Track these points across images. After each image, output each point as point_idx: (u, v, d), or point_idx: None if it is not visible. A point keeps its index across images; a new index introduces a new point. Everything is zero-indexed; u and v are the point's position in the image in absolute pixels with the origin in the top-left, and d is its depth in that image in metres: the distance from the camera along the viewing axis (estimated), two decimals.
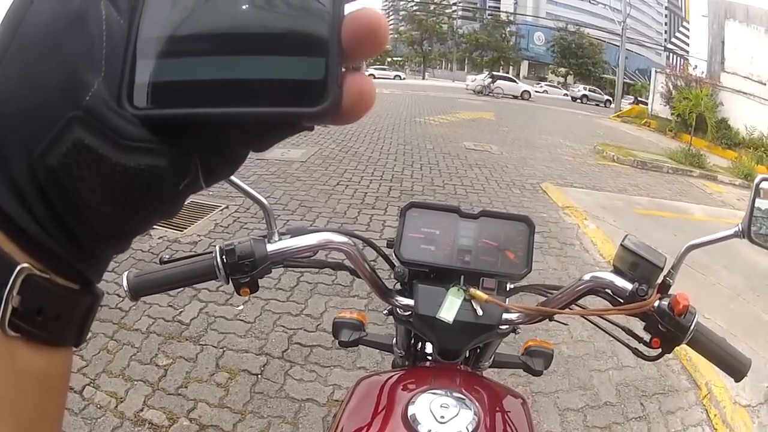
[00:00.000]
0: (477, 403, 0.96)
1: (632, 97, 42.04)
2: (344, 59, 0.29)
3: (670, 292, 1.06)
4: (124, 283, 1.07)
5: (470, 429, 0.90)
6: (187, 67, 0.29)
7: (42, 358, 0.32)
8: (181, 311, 3.65)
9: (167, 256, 1.13)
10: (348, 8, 0.29)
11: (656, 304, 1.03)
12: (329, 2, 0.29)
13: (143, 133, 0.29)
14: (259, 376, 3.07)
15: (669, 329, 1.03)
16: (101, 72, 0.28)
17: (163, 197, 0.32)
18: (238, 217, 5.52)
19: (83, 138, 0.28)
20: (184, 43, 0.29)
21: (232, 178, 1.09)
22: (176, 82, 0.29)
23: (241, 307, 3.74)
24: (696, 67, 24.34)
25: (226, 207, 5.75)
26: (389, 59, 71.40)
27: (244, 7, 0.29)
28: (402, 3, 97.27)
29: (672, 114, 20.47)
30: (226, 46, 0.29)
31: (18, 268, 0.29)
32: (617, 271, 1.08)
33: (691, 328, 1.02)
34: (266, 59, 0.29)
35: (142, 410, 2.73)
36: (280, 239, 1.09)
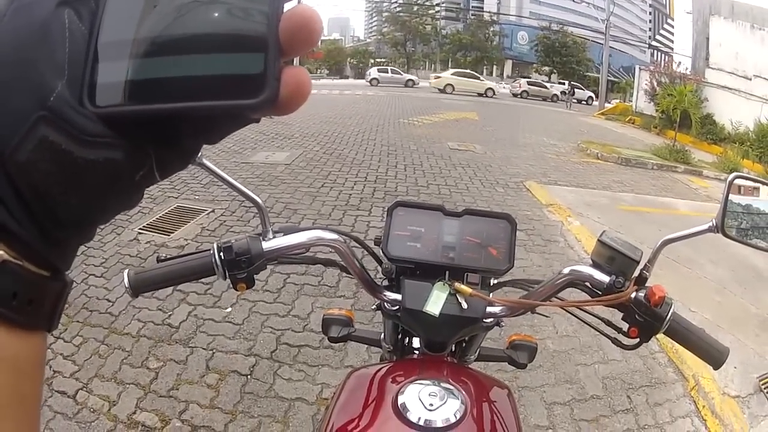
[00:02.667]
0: (464, 393, 1.00)
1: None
2: (282, 54, 0.32)
3: (647, 284, 1.10)
4: (125, 281, 1.10)
5: (458, 416, 0.94)
6: (139, 67, 0.32)
7: (17, 342, 0.34)
8: (171, 314, 3.66)
9: (164, 255, 1.17)
10: (287, 6, 0.32)
11: (633, 295, 1.07)
12: (268, 1, 0.32)
13: (101, 129, 0.32)
14: (249, 376, 3.09)
15: (646, 319, 1.07)
16: (64, 75, 0.31)
17: (121, 188, 0.35)
18: (224, 221, 5.53)
19: (48, 135, 0.31)
20: (136, 46, 0.32)
21: (228, 178, 1.14)
22: (130, 82, 0.32)
23: (230, 309, 3.76)
24: (680, 63, 24.43)
25: (212, 211, 5.77)
26: (372, 60, 71.22)
27: (189, 10, 0.32)
28: (385, 4, 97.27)
29: (656, 111, 20.62)
30: (174, 47, 0.31)
31: None
32: (595, 264, 1.12)
33: (668, 318, 1.06)
34: (210, 57, 0.31)
35: (134, 413, 2.75)
36: (274, 237, 1.14)
